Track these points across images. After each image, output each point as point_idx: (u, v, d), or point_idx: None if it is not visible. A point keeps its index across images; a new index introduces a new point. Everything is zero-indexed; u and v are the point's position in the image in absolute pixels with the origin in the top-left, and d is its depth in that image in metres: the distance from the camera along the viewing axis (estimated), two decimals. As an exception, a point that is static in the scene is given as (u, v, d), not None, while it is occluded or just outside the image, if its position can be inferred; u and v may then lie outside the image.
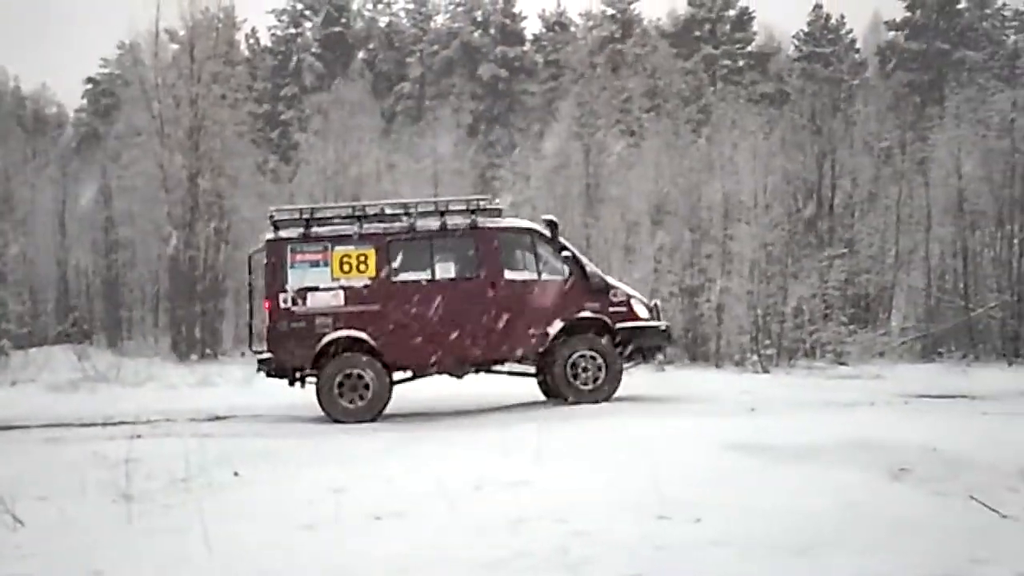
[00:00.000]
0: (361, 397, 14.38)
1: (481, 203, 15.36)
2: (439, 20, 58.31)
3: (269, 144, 47.15)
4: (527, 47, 56.97)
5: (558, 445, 9.61)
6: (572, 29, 57.84)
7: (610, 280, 15.34)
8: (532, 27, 58.08)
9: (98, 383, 20.53)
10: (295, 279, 14.51)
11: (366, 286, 14.54)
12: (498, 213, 15.37)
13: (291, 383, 14.91)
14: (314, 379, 14.61)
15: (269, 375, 14.92)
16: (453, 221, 14.89)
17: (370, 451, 10.37)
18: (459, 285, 14.70)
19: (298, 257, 14.59)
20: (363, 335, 14.42)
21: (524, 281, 14.81)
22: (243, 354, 28.77)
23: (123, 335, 31.28)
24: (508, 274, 14.78)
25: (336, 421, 14.11)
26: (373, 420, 14.13)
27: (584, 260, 15.16)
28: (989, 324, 27.67)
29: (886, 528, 6.77)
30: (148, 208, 29.96)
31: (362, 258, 14.56)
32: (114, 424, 13.89)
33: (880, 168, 30.04)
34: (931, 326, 28.02)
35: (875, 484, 8.12)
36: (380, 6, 59.45)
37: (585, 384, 14.65)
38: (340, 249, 14.58)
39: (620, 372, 14.89)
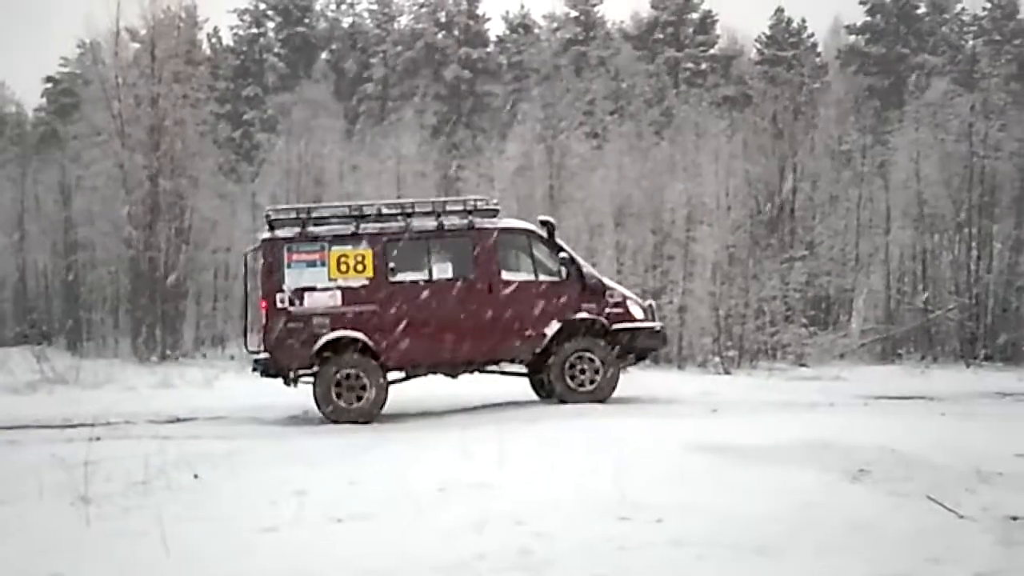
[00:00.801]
0: (359, 398, 14.28)
1: (478, 203, 15.30)
2: (403, 21, 58.13)
3: (231, 144, 46.77)
4: (491, 49, 56.94)
5: (521, 447, 9.62)
6: (536, 31, 57.90)
7: (606, 281, 15.37)
8: (496, 29, 58.08)
9: (57, 385, 20.30)
10: (292, 279, 14.39)
11: (364, 286, 14.44)
12: (495, 214, 15.31)
13: (286, 383, 14.79)
14: (310, 379, 14.52)
15: (264, 375, 14.80)
16: (450, 221, 14.84)
17: (333, 453, 10.33)
18: (456, 286, 14.65)
19: (295, 257, 14.46)
20: (361, 336, 14.32)
21: (521, 282, 14.79)
22: (204, 356, 28.65)
23: (82, 336, 30.91)
24: (505, 275, 14.77)
25: (333, 422, 14.00)
26: (369, 421, 14.01)
27: (581, 261, 15.19)
28: (947, 326, 27.97)
29: (844, 528, 6.82)
30: (108, 208, 29.64)
31: (359, 258, 14.47)
32: (73, 426, 13.71)
33: (840, 171, 30.31)
34: (890, 328, 28.28)
35: (834, 485, 8.19)
36: (343, 7, 59.26)
37: (582, 385, 14.65)
38: (337, 249, 14.47)
39: (617, 373, 14.92)
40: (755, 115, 32.84)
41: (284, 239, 14.54)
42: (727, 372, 23.37)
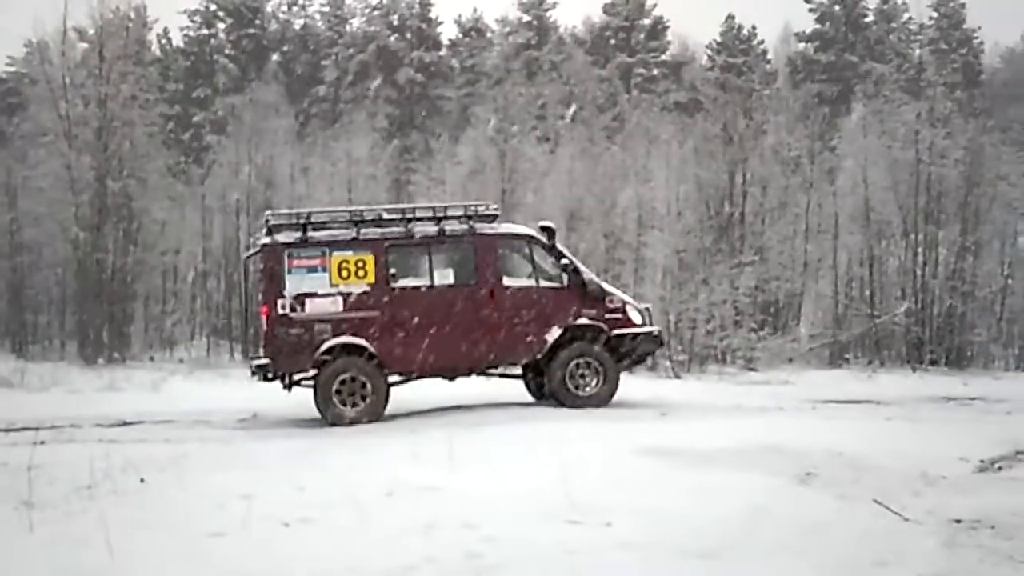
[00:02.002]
0: (361, 400, 14.20)
1: (478, 209, 15.29)
2: (355, 24, 58.03)
3: (181, 146, 46.47)
4: (443, 52, 56.96)
5: (470, 451, 9.61)
6: (488, 35, 58.03)
7: (606, 287, 15.42)
8: (449, 32, 58.16)
9: (1, 388, 20.00)
10: (293, 285, 14.27)
11: (365, 292, 14.35)
12: (494, 219, 15.33)
13: (284, 387, 14.71)
14: (310, 383, 14.46)
15: (263, 380, 14.70)
16: (451, 227, 14.80)
17: (281, 457, 10.25)
18: (458, 291, 14.61)
19: (295, 262, 14.34)
20: (363, 342, 14.22)
21: (522, 288, 14.78)
22: (152, 359, 28.33)
23: (28, 339, 30.45)
24: (506, 280, 14.77)
25: (333, 424, 13.89)
26: (372, 422, 13.92)
27: (581, 267, 15.20)
28: (894, 331, 28.27)
29: (792, 531, 6.87)
30: (55, 209, 29.22)
31: (361, 264, 14.37)
32: (17, 430, 13.51)
33: (790, 177, 30.51)
34: (838, 333, 28.54)
35: (782, 488, 8.26)
36: (295, 9, 59.00)
37: (582, 390, 14.69)
38: (338, 255, 14.36)
39: (618, 377, 14.97)
40: (706, 121, 33.01)
41: (285, 244, 14.44)
42: (677, 376, 23.44)
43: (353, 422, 13.82)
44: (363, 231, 14.54)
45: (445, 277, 14.73)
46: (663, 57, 57.32)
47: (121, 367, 25.11)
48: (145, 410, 15.83)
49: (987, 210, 28.63)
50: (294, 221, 14.73)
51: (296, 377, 14.53)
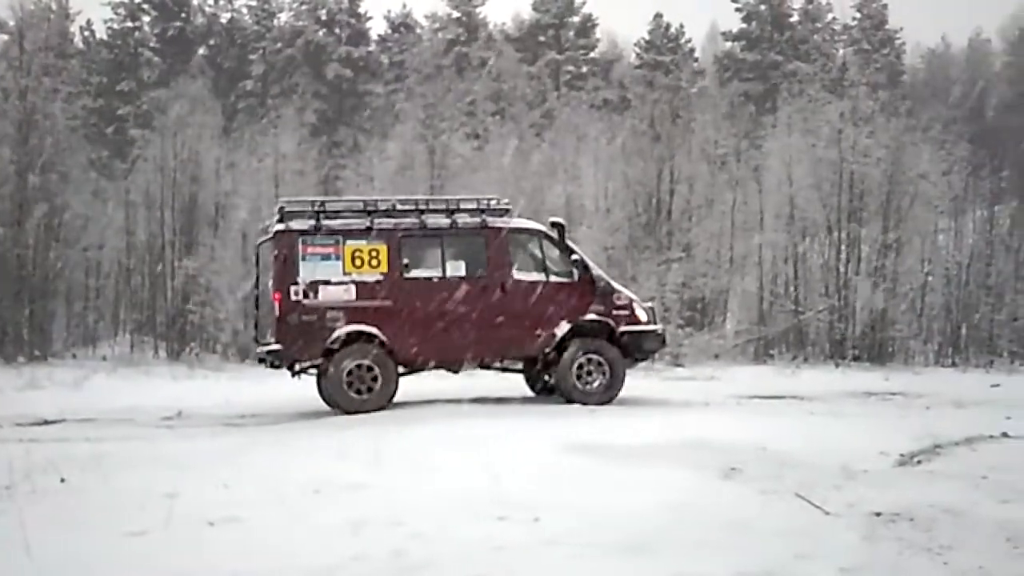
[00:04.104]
0: (369, 389, 14.20)
1: (490, 203, 15.39)
2: (283, 18, 57.43)
3: (104, 140, 45.72)
4: (372, 48, 56.65)
5: (398, 448, 9.59)
6: (418, 31, 57.85)
7: (614, 284, 15.48)
8: (378, 28, 57.85)
9: (-84, 387, 19.54)
10: (306, 272, 14.26)
11: (378, 282, 14.39)
12: (506, 213, 15.40)
13: (293, 375, 14.76)
14: (315, 370, 14.57)
15: (271, 367, 14.75)
16: (463, 220, 14.89)
17: (206, 455, 10.13)
18: (469, 283, 14.66)
19: (309, 250, 14.35)
20: (374, 330, 14.23)
21: (532, 282, 14.85)
22: (74, 356, 27.89)
23: (-56, 337, 29.88)
24: (517, 274, 14.83)
25: (345, 412, 13.86)
26: (380, 410, 13.89)
27: (590, 263, 15.23)
28: (817, 327, 28.70)
29: (716, 526, 6.95)
30: (-27, 204, 28.70)
31: (374, 253, 14.42)
32: (-67, 430, 13.23)
33: (716, 175, 30.85)
34: (763, 329, 28.91)
35: (707, 483, 8.35)
36: (222, 2, 58.27)
37: (589, 386, 14.74)
38: (352, 243, 14.40)
39: (624, 374, 15.03)
40: (634, 119, 33.28)
41: (299, 231, 14.43)
42: (605, 372, 23.56)
43: (361, 410, 13.80)
44: (377, 221, 14.60)
45: (457, 269, 14.80)
46: (592, 55, 57.60)
47: (42, 365, 24.68)
48: (67, 408, 15.54)
49: (908, 208, 29.18)
50: (307, 209, 14.79)
51: (303, 365, 14.59)
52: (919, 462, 9.78)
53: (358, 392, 14.19)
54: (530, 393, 15.97)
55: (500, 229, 14.96)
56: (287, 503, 7.41)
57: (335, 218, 14.67)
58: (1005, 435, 11.42)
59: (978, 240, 30.86)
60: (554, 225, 15.33)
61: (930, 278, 29.95)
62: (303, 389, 15.27)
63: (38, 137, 28.38)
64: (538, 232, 15.32)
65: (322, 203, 15.05)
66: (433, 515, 7.18)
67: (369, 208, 14.89)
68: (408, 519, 7.03)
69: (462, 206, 15.17)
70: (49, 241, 28.56)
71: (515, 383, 15.99)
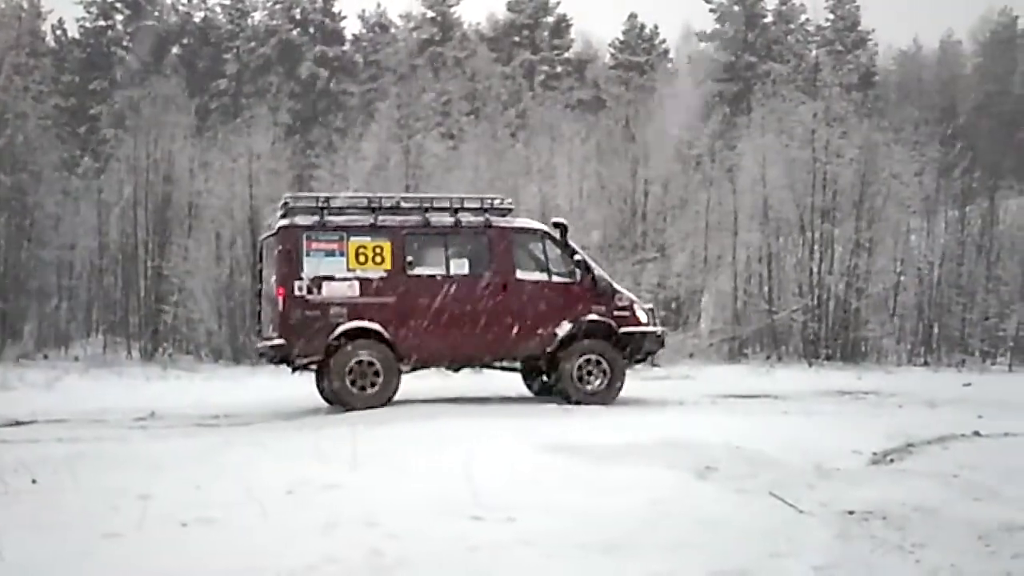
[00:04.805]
0: (372, 385, 14.24)
1: (494, 202, 15.47)
2: (256, 17, 57.26)
3: (76, 139, 45.42)
4: (347, 47, 56.53)
5: (372, 448, 9.54)
6: (392, 30, 57.76)
7: (616, 285, 15.52)
8: (352, 27, 57.73)
9: None
10: (311, 267, 14.30)
11: (381, 278, 14.44)
12: (508, 212, 15.48)
13: (294, 370, 14.85)
14: (316, 366, 14.63)
15: (272, 362, 14.87)
16: (467, 218, 14.96)
17: (179, 456, 10.06)
18: (472, 282, 14.73)
19: (313, 245, 14.40)
20: (377, 327, 14.29)
21: (535, 281, 14.94)
22: (46, 356, 27.71)
23: (-86, 337, 29.62)
24: (520, 274, 14.91)
25: (348, 408, 13.88)
26: (383, 406, 13.91)
27: (592, 264, 15.31)
28: (791, 327, 28.82)
29: (690, 525, 6.97)
30: (-57, 204, 28.49)
31: (378, 250, 14.48)
32: (-97, 431, 13.10)
33: (691, 175, 30.94)
34: (737, 328, 29.01)
35: (681, 482, 8.37)
36: (195, 1, 57.99)
37: (589, 386, 14.81)
38: (356, 240, 14.47)
39: (624, 375, 15.11)
40: (608, 119, 33.34)
41: (304, 227, 14.48)
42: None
43: (363, 406, 13.82)
44: (381, 218, 14.67)
45: (460, 267, 14.88)
46: (566, 55, 57.68)
47: (13, 365, 24.50)
48: (39, 409, 15.40)
49: (881, 208, 29.34)
50: (312, 204, 14.85)
51: (304, 361, 14.63)
52: (892, 461, 9.83)
53: (361, 388, 14.24)
54: (508, 393, 15.97)
55: (503, 228, 15.07)
56: (261, 504, 7.36)
57: (339, 214, 14.73)
58: (977, 434, 11.50)
59: (950, 240, 31.05)
60: (556, 225, 15.45)
61: (902, 278, 30.14)
62: (278, 389, 15.27)
63: (9, 136, 28.18)
64: (541, 232, 15.41)
65: (327, 199, 15.07)
66: (408, 515, 7.16)
67: (373, 205, 14.96)
68: (383, 519, 7.00)
69: (466, 205, 15.27)
70: (20, 241, 28.39)
71: (506, 382, 16.02)
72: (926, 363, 28.30)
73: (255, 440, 11.33)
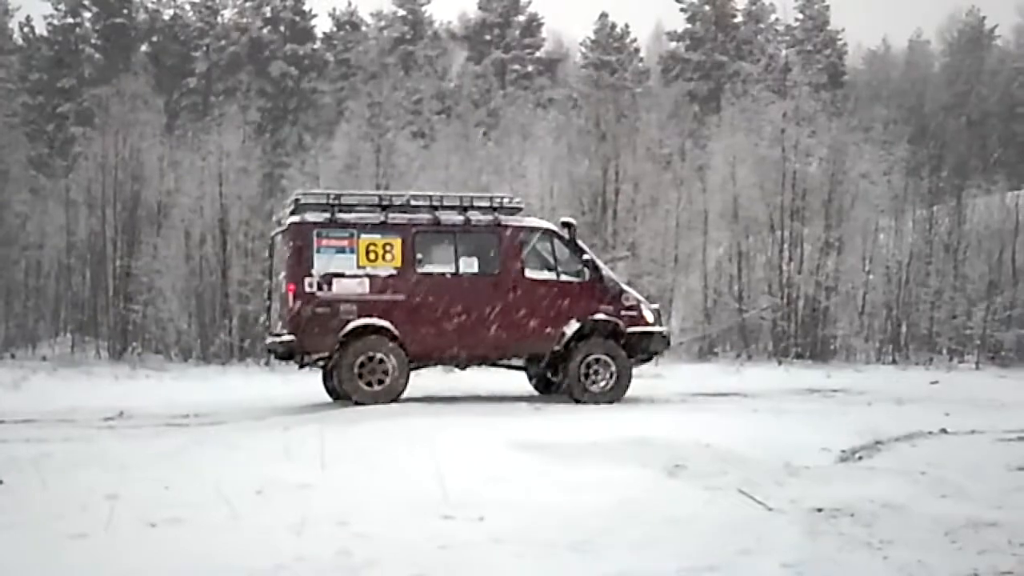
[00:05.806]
0: (380, 381, 14.29)
1: (503, 201, 15.51)
2: (226, 15, 56.98)
3: (44, 137, 45.10)
4: (317, 45, 56.34)
5: (342, 447, 9.52)
6: (363, 29, 57.61)
7: (623, 285, 15.60)
8: (323, 25, 57.56)
9: None
10: (321, 264, 14.33)
11: (391, 276, 14.48)
12: (517, 211, 15.53)
13: (301, 367, 14.99)
14: (323, 363, 14.73)
15: (280, 358, 14.98)
16: (476, 217, 14.99)
17: (148, 456, 10.00)
18: (481, 280, 14.82)
19: (324, 242, 14.43)
20: (387, 324, 14.32)
21: (543, 280, 14.99)
22: (13, 356, 27.48)
23: None
24: (528, 272, 14.98)
25: (356, 403, 13.88)
26: (392, 402, 13.94)
27: (600, 263, 15.37)
28: (760, 325, 28.95)
29: (660, 522, 7.00)
30: (-92, 202, 28.24)
31: (388, 247, 14.53)
32: None
33: (661, 174, 31.00)
34: (707, 327, 29.11)
35: (651, 480, 8.41)
36: (164, -1, 57.61)
37: (595, 386, 14.89)
38: (366, 237, 14.51)
39: (630, 375, 15.18)
40: (579, 117, 33.37)
41: (314, 223, 14.49)
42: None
43: (372, 402, 13.83)
44: (391, 216, 14.69)
45: (470, 266, 14.92)
46: (538, 54, 57.73)
47: (-21, 366, 24.28)
48: (6, 409, 15.24)
49: (850, 207, 29.50)
50: (322, 201, 14.83)
51: (313, 357, 14.73)
52: (860, 458, 9.92)
53: (369, 384, 14.28)
54: (479, 392, 16.00)
55: (513, 227, 15.13)
56: (230, 503, 7.34)
57: (350, 211, 14.76)
58: (944, 431, 11.62)
59: (917, 239, 31.22)
60: (565, 225, 15.53)
61: (871, 276, 30.31)
62: (248, 389, 15.20)
63: (-25, 134, 27.97)
64: (549, 231, 15.46)
65: (337, 196, 15.06)
66: (378, 514, 7.15)
67: (384, 203, 15.04)
68: (353, 519, 6.99)
69: (475, 203, 15.32)
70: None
71: (477, 381, 16.04)
72: (894, 361, 28.47)
73: (225, 440, 11.26)
